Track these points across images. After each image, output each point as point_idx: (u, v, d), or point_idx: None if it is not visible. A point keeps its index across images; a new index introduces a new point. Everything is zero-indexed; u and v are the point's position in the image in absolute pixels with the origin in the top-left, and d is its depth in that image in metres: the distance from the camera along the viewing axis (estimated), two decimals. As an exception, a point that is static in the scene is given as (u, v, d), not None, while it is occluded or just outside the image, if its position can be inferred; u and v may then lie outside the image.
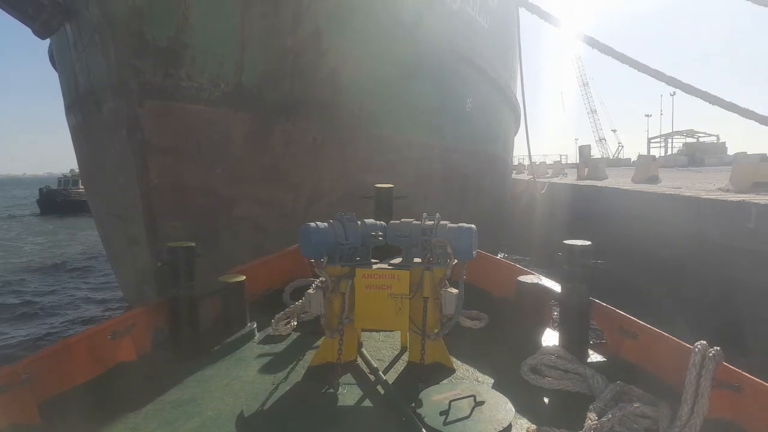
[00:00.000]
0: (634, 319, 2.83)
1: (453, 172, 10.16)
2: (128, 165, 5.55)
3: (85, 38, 5.94)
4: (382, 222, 3.23)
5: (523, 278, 3.49)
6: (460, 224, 2.87)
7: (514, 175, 25.60)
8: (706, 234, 8.29)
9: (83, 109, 6.87)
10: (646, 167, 17.07)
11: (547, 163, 38.61)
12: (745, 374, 2.13)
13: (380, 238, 3.13)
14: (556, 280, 3.18)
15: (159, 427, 2.32)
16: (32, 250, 20.85)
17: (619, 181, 17.71)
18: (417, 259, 2.96)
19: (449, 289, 2.77)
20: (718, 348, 2.17)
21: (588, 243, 2.94)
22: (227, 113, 5.93)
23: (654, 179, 16.09)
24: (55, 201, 38.56)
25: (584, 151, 26.93)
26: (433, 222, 2.89)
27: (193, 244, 3.18)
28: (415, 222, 2.97)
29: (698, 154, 45.47)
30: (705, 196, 9.29)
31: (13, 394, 2.16)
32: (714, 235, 8.08)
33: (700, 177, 18.44)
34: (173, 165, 5.62)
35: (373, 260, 3.11)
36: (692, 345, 2.25)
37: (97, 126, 6.39)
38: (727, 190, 10.77)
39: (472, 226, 2.85)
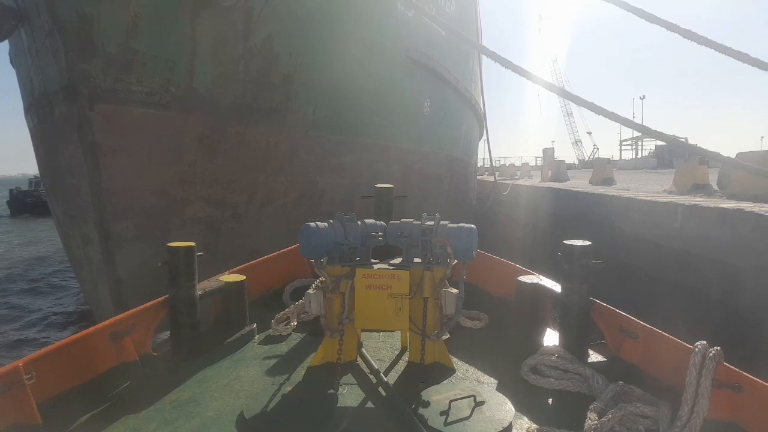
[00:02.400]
0: (634, 319, 2.83)
1: (411, 174, 10.35)
2: (79, 167, 5.69)
3: (38, 43, 6.08)
4: (382, 222, 3.23)
5: (523, 278, 3.49)
6: (460, 224, 2.87)
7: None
8: (639, 233, 8.52)
9: (38, 112, 7.02)
10: (602, 170, 18.13)
11: (516, 165, 39.78)
12: (746, 374, 2.13)
13: (380, 238, 3.13)
14: (556, 280, 3.18)
15: (159, 427, 2.32)
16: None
17: (578, 182, 18.41)
18: (417, 259, 2.96)
19: (449, 289, 2.77)
20: (719, 348, 2.17)
21: (588, 243, 2.94)
22: (178, 117, 6.07)
23: (609, 181, 16.94)
24: (26, 202, 37.75)
25: (548, 153, 27.14)
26: (433, 222, 2.89)
27: (193, 243, 3.18)
28: (415, 222, 2.98)
29: (667, 157, 46.68)
30: (641, 198, 9.56)
31: (13, 394, 2.15)
32: (647, 235, 8.30)
33: (660, 178, 18.73)
34: (124, 166, 5.74)
35: (373, 260, 3.11)
36: (692, 345, 2.25)
37: (50, 128, 6.54)
38: (670, 192, 11.26)
39: (472, 226, 2.85)
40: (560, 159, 27.53)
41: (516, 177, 28.80)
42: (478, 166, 26.39)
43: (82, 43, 5.30)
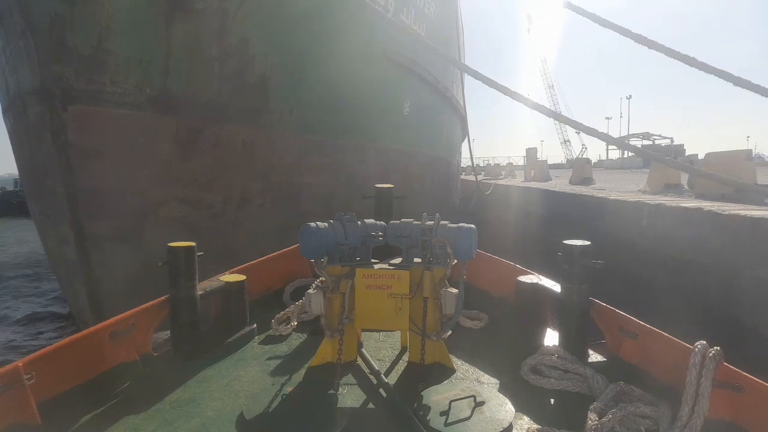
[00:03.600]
0: (634, 319, 2.83)
1: (390, 173, 10.47)
2: (54, 167, 5.74)
3: (11, 44, 6.14)
4: (382, 222, 3.24)
5: (522, 278, 3.49)
6: (460, 224, 2.87)
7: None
8: (610, 231, 8.75)
9: (14, 112, 7.07)
10: (581, 169, 18.49)
11: (501, 165, 40.95)
12: (746, 374, 2.13)
13: (380, 238, 3.13)
14: (556, 280, 3.18)
15: (159, 427, 2.32)
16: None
17: (559, 182, 18.79)
18: (417, 259, 2.96)
19: (449, 289, 2.77)
20: (719, 348, 2.17)
21: (588, 243, 2.94)
22: (153, 117, 6.12)
23: (588, 180, 17.30)
24: (12, 202, 37.03)
25: (531, 153, 27.77)
26: (433, 222, 2.89)
27: (193, 243, 3.18)
28: (415, 222, 2.98)
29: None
30: (612, 197, 9.83)
31: (13, 394, 2.15)
32: (617, 232, 8.53)
33: (641, 178, 19.31)
34: (98, 167, 5.79)
35: (373, 260, 3.11)
36: (692, 345, 2.25)
37: (26, 129, 6.59)
38: (644, 191, 11.67)
39: (472, 226, 2.85)
40: (543, 159, 28.31)
41: (501, 176, 29.44)
42: (464, 166, 26.66)
43: (55, 44, 5.35)
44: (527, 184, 18.70)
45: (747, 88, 4.36)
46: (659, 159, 9.33)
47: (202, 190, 6.72)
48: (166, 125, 6.24)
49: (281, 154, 7.61)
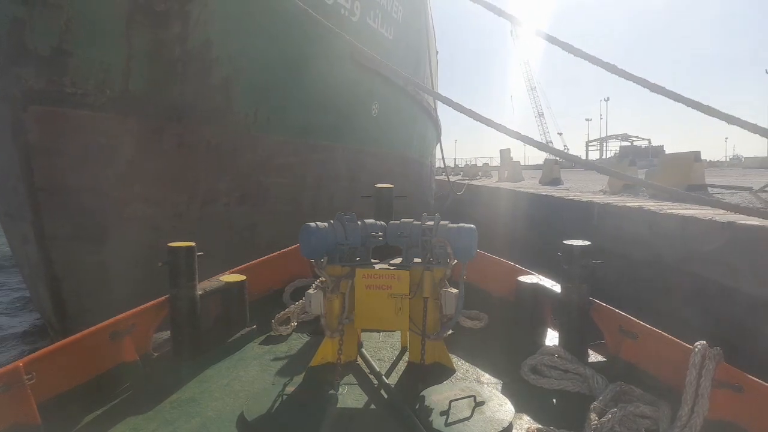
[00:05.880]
0: (634, 319, 2.83)
1: (360, 173, 10.53)
2: (14, 167, 5.79)
3: None
4: (382, 222, 3.24)
5: (522, 278, 3.50)
6: (460, 224, 2.88)
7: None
8: (566, 229, 9.01)
9: None
10: (550, 170, 19.25)
11: (478, 165, 41.94)
12: (746, 374, 2.13)
13: (380, 238, 3.14)
14: (556, 280, 3.18)
15: (159, 427, 2.32)
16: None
17: (530, 183, 19.57)
18: (417, 259, 2.96)
19: (449, 289, 2.77)
20: (719, 348, 2.17)
21: (588, 243, 2.94)
22: (114, 118, 6.14)
23: (556, 181, 18.00)
24: None
25: (504, 154, 28.45)
26: (432, 222, 2.90)
27: (193, 243, 3.18)
28: (415, 222, 2.98)
29: (631, 157, 48.81)
30: (569, 197, 10.22)
31: (13, 394, 2.15)
32: (572, 231, 8.93)
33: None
34: (59, 167, 5.82)
35: (373, 260, 3.11)
36: (692, 345, 2.25)
37: None
38: (605, 192, 12.28)
39: (472, 226, 2.86)
40: (517, 160, 29.06)
41: (478, 177, 30.20)
42: (443, 167, 27.04)
43: (14, 45, 5.38)
44: (497, 185, 19.26)
45: (661, 94, 4.32)
46: (606, 171, 9.57)
47: (166, 190, 6.74)
48: (129, 126, 6.28)
49: (247, 155, 7.66)
